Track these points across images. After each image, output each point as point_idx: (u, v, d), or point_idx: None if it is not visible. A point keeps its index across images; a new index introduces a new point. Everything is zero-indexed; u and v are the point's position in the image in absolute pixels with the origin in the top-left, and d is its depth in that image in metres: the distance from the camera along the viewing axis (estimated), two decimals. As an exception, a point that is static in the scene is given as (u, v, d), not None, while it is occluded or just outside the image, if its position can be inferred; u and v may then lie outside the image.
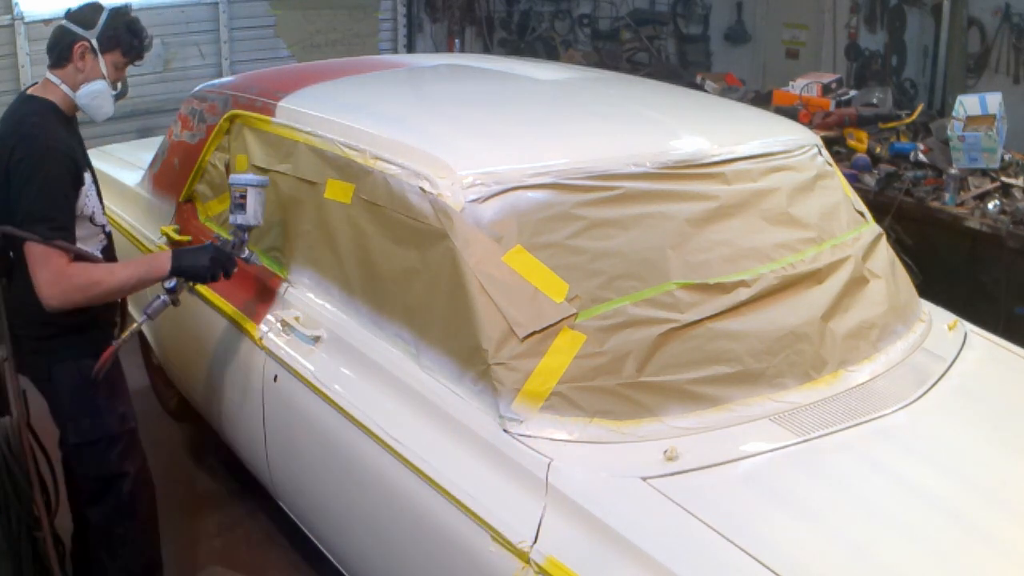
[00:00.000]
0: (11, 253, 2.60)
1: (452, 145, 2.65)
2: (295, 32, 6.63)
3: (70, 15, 2.70)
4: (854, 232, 2.82)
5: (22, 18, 5.22)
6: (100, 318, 2.80)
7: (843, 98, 5.71)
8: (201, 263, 2.66)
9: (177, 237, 3.61)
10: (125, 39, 2.70)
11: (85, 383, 2.71)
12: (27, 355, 2.62)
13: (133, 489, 2.84)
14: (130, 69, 2.84)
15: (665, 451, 2.11)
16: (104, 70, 2.69)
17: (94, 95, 2.70)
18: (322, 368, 2.75)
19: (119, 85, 2.77)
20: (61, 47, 2.66)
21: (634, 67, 7.32)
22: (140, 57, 2.76)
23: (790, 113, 5.06)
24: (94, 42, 2.65)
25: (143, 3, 5.79)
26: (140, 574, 2.94)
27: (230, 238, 2.80)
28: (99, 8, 2.69)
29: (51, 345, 2.70)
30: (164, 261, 2.65)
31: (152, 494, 2.96)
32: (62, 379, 2.72)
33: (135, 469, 2.85)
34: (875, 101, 5.65)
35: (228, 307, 3.22)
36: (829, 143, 4.56)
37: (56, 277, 2.50)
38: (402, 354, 2.54)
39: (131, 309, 3.19)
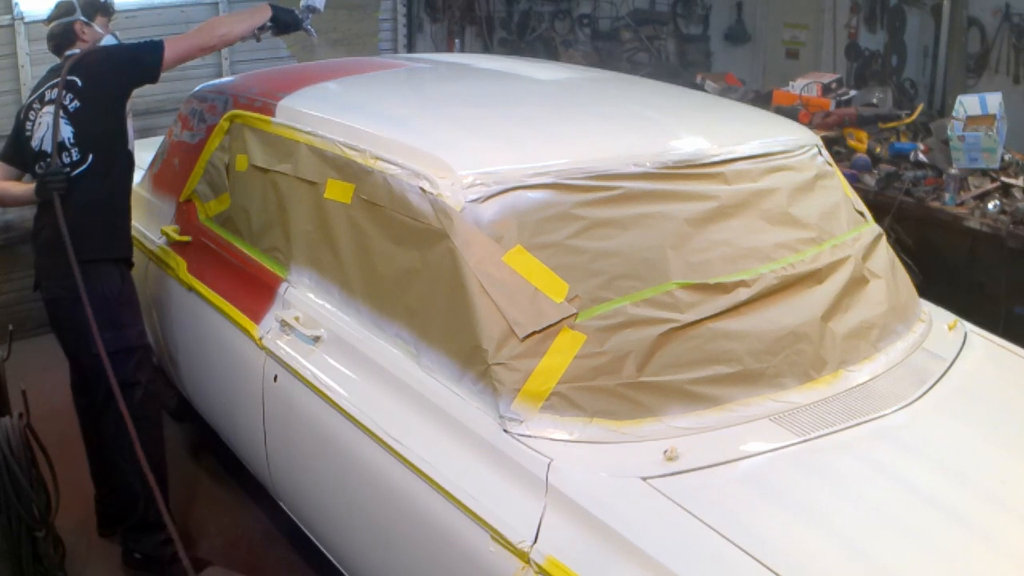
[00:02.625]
0: (90, 156, 3.19)
1: (452, 145, 2.65)
2: (295, 32, 6.62)
3: (53, 16, 3.35)
4: (854, 232, 2.82)
5: (22, 18, 5.20)
6: (127, 225, 3.35)
7: (843, 98, 5.70)
8: (291, 18, 3.67)
9: (177, 237, 3.61)
10: (98, 6, 3.40)
11: (111, 297, 3.20)
12: (63, 277, 3.08)
13: (144, 398, 3.27)
14: None
15: (665, 451, 2.11)
16: (100, 30, 3.39)
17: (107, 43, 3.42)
18: (322, 368, 2.75)
19: (116, 35, 3.50)
20: (67, 34, 3.32)
21: (634, 67, 7.31)
22: (113, 11, 3.50)
23: (790, 113, 5.06)
24: (83, 18, 3.33)
25: (143, 3, 5.77)
26: (152, 472, 3.21)
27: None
28: (68, 0, 3.35)
29: (90, 249, 3.15)
30: (266, 11, 3.58)
31: (159, 406, 3.44)
32: (93, 286, 3.12)
33: (146, 380, 3.31)
34: (875, 101, 5.64)
35: (228, 307, 3.22)
36: (829, 143, 4.56)
37: (195, 32, 3.44)
38: (402, 354, 2.54)
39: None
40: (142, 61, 3.28)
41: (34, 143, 3.25)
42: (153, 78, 3.31)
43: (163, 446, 3.39)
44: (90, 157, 3.21)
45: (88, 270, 3.12)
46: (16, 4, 5.23)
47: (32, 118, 3.27)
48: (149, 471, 3.23)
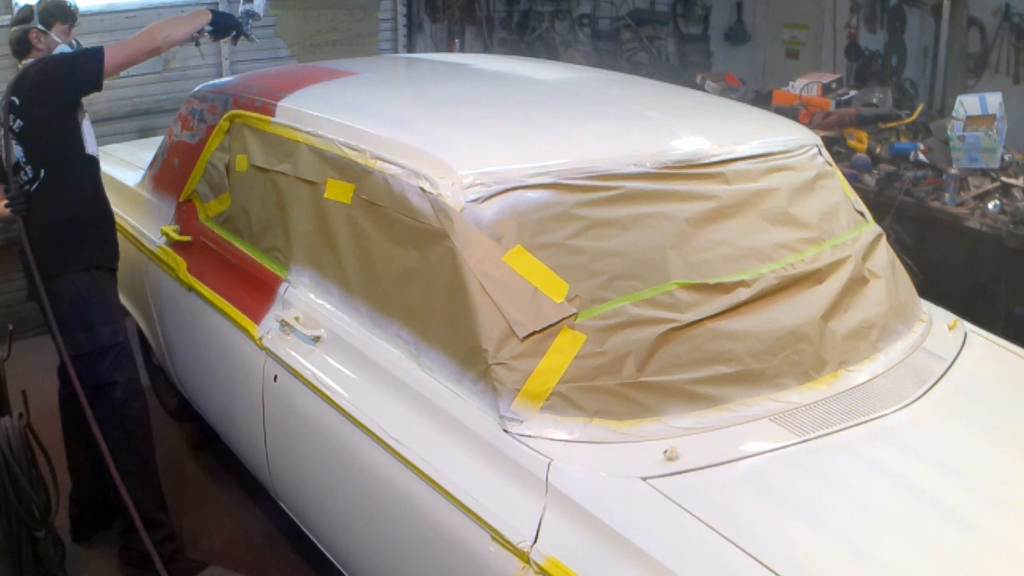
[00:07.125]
0: (42, 172, 3.20)
1: (452, 145, 2.65)
2: (295, 32, 6.61)
3: (14, 21, 3.38)
4: (854, 232, 2.82)
5: (22, 18, 5.25)
6: (97, 232, 3.31)
7: (843, 98, 5.71)
8: (231, 22, 3.70)
9: (177, 237, 3.61)
10: (57, 12, 3.38)
11: (79, 298, 3.20)
12: (35, 290, 3.13)
13: (124, 396, 3.26)
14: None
15: (665, 451, 2.11)
16: (58, 39, 3.36)
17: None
18: (322, 368, 2.75)
19: (74, 43, 3.45)
20: (22, 42, 3.34)
21: (634, 67, 7.31)
22: (75, 17, 3.46)
23: (790, 113, 5.06)
24: (40, 26, 3.32)
25: (143, 3, 5.78)
26: (137, 472, 3.27)
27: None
28: (29, 6, 3.37)
29: (52, 265, 3.17)
30: (205, 15, 3.58)
31: (144, 403, 3.37)
32: (60, 294, 3.17)
33: (125, 379, 3.27)
34: (875, 101, 5.64)
35: (228, 307, 3.22)
36: (829, 143, 4.56)
37: (138, 36, 3.34)
38: (402, 354, 2.54)
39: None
40: (80, 71, 3.22)
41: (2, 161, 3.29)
42: (95, 86, 3.24)
43: (151, 444, 3.35)
44: (42, 172, 3.21)
45: (54, 282, 3.16)
46: (16, 4, 5.24)
47: None
48: (138, 468, 3.25)
